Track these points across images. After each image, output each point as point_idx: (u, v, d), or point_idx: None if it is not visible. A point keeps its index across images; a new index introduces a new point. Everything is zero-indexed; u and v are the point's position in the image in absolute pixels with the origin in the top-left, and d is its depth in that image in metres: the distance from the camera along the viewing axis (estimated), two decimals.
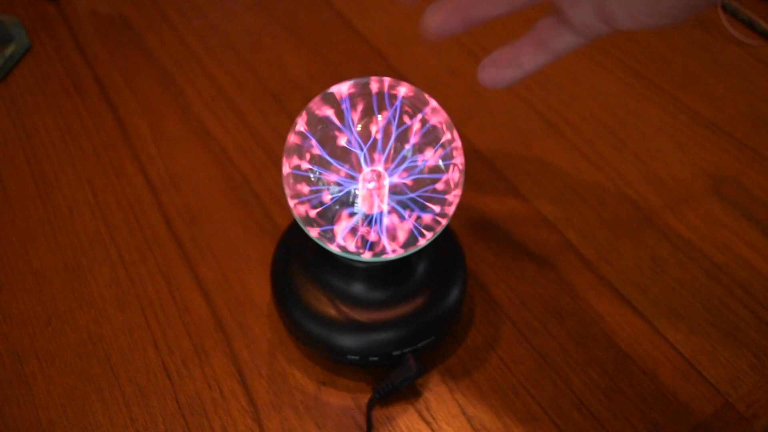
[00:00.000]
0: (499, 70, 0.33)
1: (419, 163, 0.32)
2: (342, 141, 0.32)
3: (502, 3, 0.31)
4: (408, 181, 0.32)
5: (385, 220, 0.32)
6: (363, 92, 0.33)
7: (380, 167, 0.32)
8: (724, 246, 0.43)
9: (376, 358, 0.36)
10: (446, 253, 0.38)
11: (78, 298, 0.41)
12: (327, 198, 0.33)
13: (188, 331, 0.40)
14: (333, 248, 0.33)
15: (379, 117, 0.32)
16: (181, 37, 0.58)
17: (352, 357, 0.36)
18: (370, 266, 0.35)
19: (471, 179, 0.46)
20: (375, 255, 0.33)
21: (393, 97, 0.32)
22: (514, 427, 0.36)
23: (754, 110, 0.51)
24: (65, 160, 0.49)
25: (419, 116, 0.32)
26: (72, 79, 0.55)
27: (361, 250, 0.33)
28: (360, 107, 0.32)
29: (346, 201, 0.33)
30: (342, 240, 0.33)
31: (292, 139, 0.33)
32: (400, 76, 0.50)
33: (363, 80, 0.33)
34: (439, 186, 0.33)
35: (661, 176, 0.47)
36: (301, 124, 0.33)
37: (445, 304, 0.37)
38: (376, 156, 0.32)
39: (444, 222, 0.33)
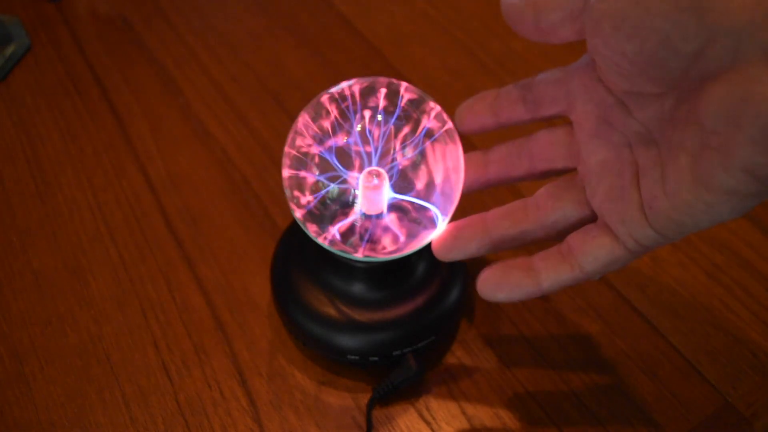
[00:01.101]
0: (519, 291, 0.30)
1: (419, 163, 0.32)
2: (342, 141, 0.32)
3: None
4: (408, 181, 0.32)
5: (385, 220, 0.32)
6: (363, 92, 0.33)
7: (380, 167, 0.32)
8: (724, 246, 0.43)
9: (376, 358, 0.36)
10: None
11: (78, 298, 0.41)
12: (327, 198, 0.33)
13: (188, 331, 0.40)
14: (333, 248, 0.33)
15: (379, 117, 0.32)
16: (181, 37, 0.58)
17: (352, 357, 0.36)
18: (369, 266, 0.35)
19: None
20: (374, 255, 0.33)
21: (393, 97, 0.32)
22: (514, 427, 0.36)
23: None
24: (65, 160, 0.49)
25: (419, 116, 0.32)
26: (72, 79, 0.55)
27: (360, 250, 0.33)
28: (360, 107, 0.32)
29: (346, 201, 0.33)
30: (342, 240, 0.33)
31: (292, 139, 0.33)
32: (400, 76, 0.50)
33: (363, 80, 0.33)
34: (440, 185, 0.33)
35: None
36: (301, 124, 0.33)
37: (445, 304, 0.37)
38: (375, 156, 0.32)
39: (444, 221, 0.33)
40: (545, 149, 0.32)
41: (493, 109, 0.33)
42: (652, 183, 0.26)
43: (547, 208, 0.30)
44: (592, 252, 0.28)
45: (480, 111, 0.33)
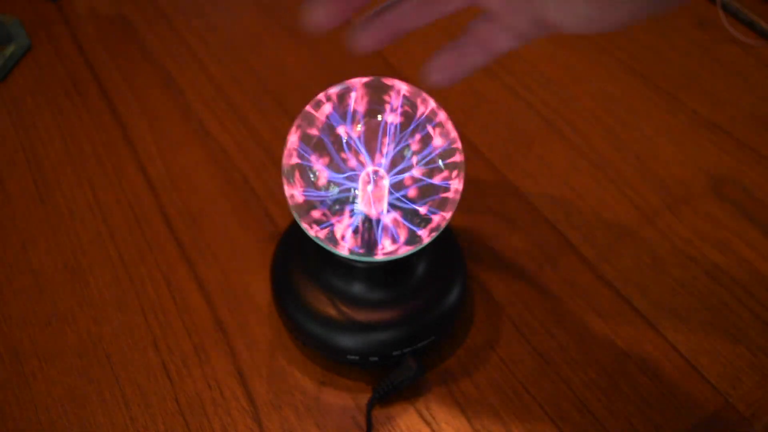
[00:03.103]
0: (447, 70, 0.33)
1: (419, 163, 0.32)
2: (342, 141, 0.32)
3: (427, 14, 0.32)
4: (408, 182, 0.32)
5: (385, 221, 0.32)
6: (363, 92, 0.33)
7: (380, 167, 0.32)
8: (724, 246, 0.43)
9: (376, 358, 0.36)
10: (446, 253, 0.38)
11: (78, 298, 0.41)
12: (327, 198, 0.33)
13: (188, 331, 0.40)
14: (333, 248, 0.33)
15: (379, 117, 0.32)
16: (181, 37, 0.58)
17: (352, 357, 0.36)
18: (369, 266, 0.35)
19: (471, 179, 0.46)
20: (374, 255, 0.33)
21: (393, 97, 0.32)
22: (514, 427, 0.36)
23: (754, 110, 0.51)
24: (65, 160, 0.49)
25: (420, 117, 0.32)
26: (72, 79, 0.55)
27: (360, 250, 0.33)
28: (360, 107, 0.32)
29: (346, 201, 0.33)
30: (342, 240, 0.33)
31: (292, 139, 0.33)
32: (400, 76, 0.50)
33: (363, 80, 0.33)
34: (440, 186, 0.33)
35: (661, 176, 0.47)
36: (301, 124, 0.33)
37: (445, 304, 0.37)
38: (375, 156, 0.32)
39: (444, 222, 0.33)
40: None
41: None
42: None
43: None
44: (499, 45, 0.31)
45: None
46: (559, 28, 0.28)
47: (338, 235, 0.33)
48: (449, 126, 0.33)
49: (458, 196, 0.33)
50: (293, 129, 0.33)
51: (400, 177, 0.32)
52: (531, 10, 0.28)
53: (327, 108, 0.33)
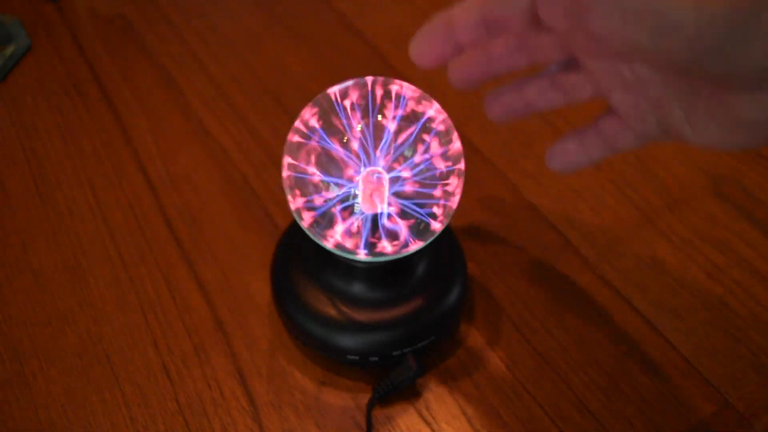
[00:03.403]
0: (568, 159, 0.33)
1: (419, 163, 0.32)
2: (342, 141, 0.32)
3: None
4: (408, 182, 0.32)
5: (385, 221, 0.32)
6: (363, 92, 0.33)
7: (380, 168, 0.32)
8: (724, 246, 0.43)
9: (376, 358, 0.36)
10: (446, 253, 0.38)
11: (78, 298, 0.41)
12: (327, 198, 0.33)
13: (188, 331, 0.40)
14: (333, 248, 0.33)
15: (380, 117, 0.32)
16: (181, 37, 0.58)
17: (352, 357, 0.36)
18: (369, 266, 0.35)
19: (471, 179, 0.46)
20: (374, 255, 0.33)
21: (393, 97, 0.32)
22: (514, 427, 0.36)
23: None
24: (65, 160, 0.49)
25: (420, 117, 0.32)
26: (72, 79, 0.55)
27: (360, 250, 0.33)
28: (360, 108, 0.32)
29: (346, 201, 0.33)
30: (342, 240, 0.33)
31: (292, 139, 0.33)
32: (400, 76, 0.50)
33: (363, 80, 0.33)
34: (439, 186, 0.33)
35: (661, 176, 0.47)
36: (300, 124, 0.33)
37: (445, 304, 0.37)
38: (376, 156, 0.32)
39: (444, 222, 0.33)
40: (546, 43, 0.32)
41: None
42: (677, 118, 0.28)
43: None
44: (623, 143, 0.31)
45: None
46: (685, 140, 0.28)
47: (338, 236, 0.33)
48: (449, 126, 0.33)
49: (459, 197, 0.33)
50: (293, 129, 0.33)
51: (399, 177, 0.32)
52: (660, 118, 0.28)
53: (327, 108, 0.33)
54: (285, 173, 0.33)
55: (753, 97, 0.24)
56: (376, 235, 0.33)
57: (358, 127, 0.32)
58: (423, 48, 0.31)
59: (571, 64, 0.31)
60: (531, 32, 0.30)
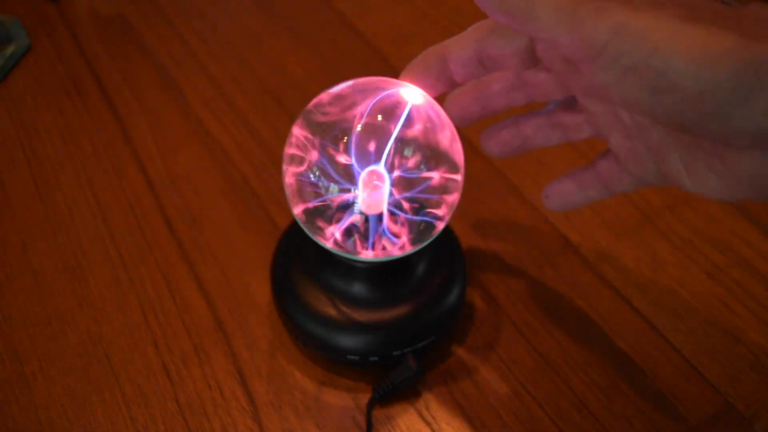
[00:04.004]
0: (566, 199, 0.34)
1: (419, 163, 0.32)
2: (342, 141, 0.32)
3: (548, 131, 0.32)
4: (408, 182, 0.32)
5: (385, 221, 0.32)
6: (363, 92, 0.32)
7: (380, 168, 0.32)
8: (724, 246, 0.43)
9: (376, 358, 0.36)
10: (446, 253, 0.38)
11: (78, 298, 0.41)
12: (327, 198, 0.33)
13: (188, 331, 0.40)
14: (332, 248, 0.33)
15: (380, 117, 0.32)
16: (181, 37, 0.58)
17: (352, 357, 0.36)
18: (370, 266, 0.35)
19: (471, 179, 0.46)
20: (375, 255, 0.33)
21: (393, 97, 0.32)
22: (514, 427, 0.36)
23: None
24: (65, 160, 0.49)
25: (420, 117, 0.32)
26: (72, 79, 0.55)
27: (360, 250, 0.33)
28: (360, 107, 0.32)
29: (346, 201, 0.33)
30: (342, 240, 0.33)
31: (292, 139, 0.33)
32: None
33: (363, 80, 0.33)
34: (440, 186, 0.33)
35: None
36: (301, 124, 0.33)
37: (445, 304, 0.37)
38: (376, 156, 0.32)
39: (444, 222, 0.33)
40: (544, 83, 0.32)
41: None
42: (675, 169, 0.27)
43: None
44: (621, 185, 0.31)
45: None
46: (683, 189, 0.28)
47: (338, 236, 0.33)
48: (450, 126, 0.33)
49: (459, 197, 0.33)
50: (293, 128, 0.33)
51: (400, 178, 0.32)
52: (659, 165, 0.28)
53: (327, 108, 0.33)
54: (285, 174, 0.33)
55: (753, 154, 0.24)
56: (376, 235, 0.33)
57: (358, 128, 0.32)
58: (414, 81, 0.31)
59: (570, 104, 0.31)
60: (529, 70, 0.30)
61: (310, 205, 0.33)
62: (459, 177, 0.33)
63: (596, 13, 0.24)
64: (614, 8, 0.23)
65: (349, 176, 0.32)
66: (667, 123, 0.25)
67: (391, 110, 0.32)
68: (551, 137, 0.32)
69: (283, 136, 0.34)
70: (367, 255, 0.33)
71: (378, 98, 0.32)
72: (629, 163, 0.29)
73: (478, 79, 0.32)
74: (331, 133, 0.32)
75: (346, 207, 0.33)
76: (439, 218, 0.33)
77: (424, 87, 0.32)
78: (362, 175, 0.32)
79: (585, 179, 0.32)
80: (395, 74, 0.33)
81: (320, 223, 0.33)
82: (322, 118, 0.32)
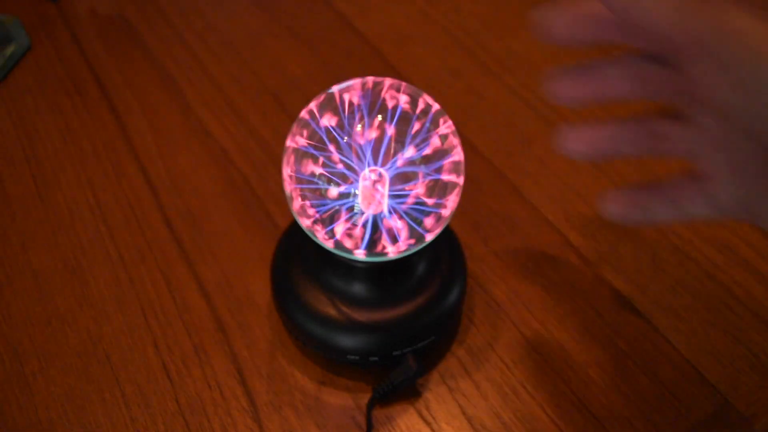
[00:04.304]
0: (627, 209, 0.31)
1: (419, 163, 0.32)
2: (342, 141, 0.32)
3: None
4: (408, 182, 0.32)
5: (385, 220, 0.32)
6: (363, 92, 0.33)
7: (380, 167, 0.32)
8: (724, 246, 0.43)
9: (376, 358, 0.36)
10: (446, 253, 0.38)
11: (78, 298, 0.41)
12: (327, 198, 0.33)
13: (188, 331, 0.40)
14: (332, 248, 0.33)
15: (379, 117, 0.32)
16: (181, 37, 0.58)
17: (352, 357, 0.36)
18: (369, 266, 0.35)
19: (471, 179, 0.46)
20: (374, 255, 0.33)
21: (394, 97, 0.32)
22: (514, 427, 0.36)
23: None
24: (65, 160, 0.49)
25: (420, 116, 0.32)
26: (72, 79, 0.55)
27: (360, 250, 0.33)
28: (360, 107, 0.32)
29: (346, 201, 0.33)
30: (342, 240, 0.33)
31: (292, 138, 0.33)
32: (400, 76, 0.50)
33: (363, 80, 0.33)
34: (440, 186, 0.33)
35: (661, 176, 0.47)
36: (301, 124, 0.33)
37: (445, 304, 0.37)
38: (376, 156, 0.32)
39: (444, 222, 0.33)
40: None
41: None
42: None
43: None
44: (694, 209, 0.30)
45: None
46: (764, 226, 0.26)
47: (338, 236, 0.33)
48: (450, 124, 0.33)
49: (458, 196, 0.33)
50: (293, 128, 0.33)
51: (400, 177, 0.32)
52: (749, 197, 0.27)
53: (327, 108, 0.33)
54: (285, 174, 0.33)
55: None
56: (376, 235, 0.33)
57: (358, 127, 0.32)
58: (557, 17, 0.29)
59: (677, 115, 0.29)
60: (653, 65, 0.28)
61: (310, 205, 0.33)
62: (459, 177, 0.33)
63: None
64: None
65: (348, 176, 0.32)
66: None
67: (390, 110, 0.32)
68: (642, 147, 0.31)
69: (283, 136, 0.34)
70: (367, 255, 0.33)
71: (377, 98, 0.32)
72: (716, 189, 0.28)
73: (598, 64, 0.31)
74: (331, 134, 0.32)
75: (346, 207, 0.33)
76: (440, 218, 0.33)
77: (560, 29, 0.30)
78: (362, 175, 0.32)
79: (658, 196, 0.31)
80: (395, 74, 0.33)
81: (320, 223, 0.33)
82: (321, 119, 0.33)
